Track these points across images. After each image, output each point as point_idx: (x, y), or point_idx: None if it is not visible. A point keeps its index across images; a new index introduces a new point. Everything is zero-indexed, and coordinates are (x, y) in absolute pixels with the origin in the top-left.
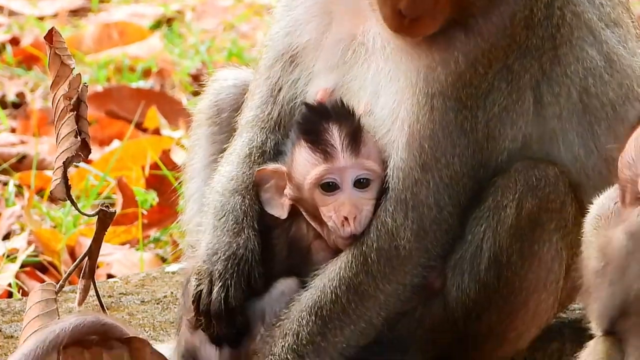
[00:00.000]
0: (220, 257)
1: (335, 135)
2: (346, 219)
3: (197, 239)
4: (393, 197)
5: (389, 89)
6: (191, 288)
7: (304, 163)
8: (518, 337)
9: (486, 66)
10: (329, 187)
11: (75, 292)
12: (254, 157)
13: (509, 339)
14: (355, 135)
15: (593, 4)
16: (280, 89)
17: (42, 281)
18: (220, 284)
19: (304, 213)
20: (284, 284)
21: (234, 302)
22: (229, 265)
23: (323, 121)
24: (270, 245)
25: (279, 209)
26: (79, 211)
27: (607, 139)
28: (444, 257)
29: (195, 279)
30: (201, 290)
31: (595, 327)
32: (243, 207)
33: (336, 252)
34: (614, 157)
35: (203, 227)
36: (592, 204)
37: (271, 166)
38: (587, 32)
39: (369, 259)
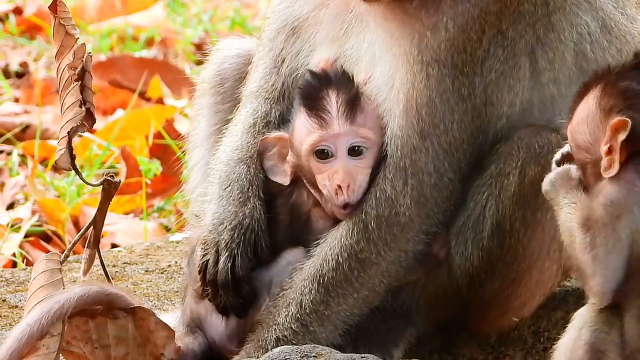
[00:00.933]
0: (226, 226)
1: (332, 102)
2: (340, 187)
3: (201, 208)
4: (392, 165)
5: (385, 58)
6: (197, 258)
7: (301, 129)
8: (522, 305)
9: (479, 32)
10: (323, 154)
11: (80, 262)
12: (258, 127)
13: (513, 306)
14: (353, 102)
15: None
16: (283, 60)
17: (46, 251)
18: (226, 253)
19: (304, 180)
20: (291, 254)
21: (241, 271)
22: (235, 234)
23: (323, 87)
24: (273, 214)
25: (282, 176)
26: (84, 181)
27: None
28: (447, 225)
29: (202, 249)
30: (207, 260)
31: (599, 303)
32: (248, 177)
33: (336, 220)
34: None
35: (208, 196)
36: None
37: (274, 134)
38: None
39: (369, 227)
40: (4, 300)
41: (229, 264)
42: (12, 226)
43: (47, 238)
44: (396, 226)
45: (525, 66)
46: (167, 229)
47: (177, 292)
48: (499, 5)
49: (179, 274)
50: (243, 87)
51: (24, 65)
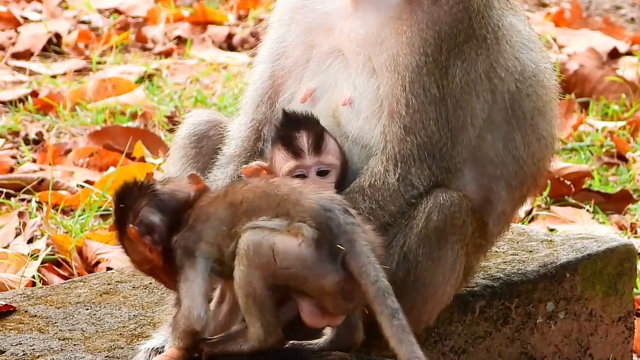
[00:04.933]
0: None
1: (304, 140)
2: None
3: None
4: (385, 154)
5: (366, 77)
6: None
7: (279, 160)
8: (429, 318)
9: (437, 39)
10: (298, 177)
11: (85, 282)
12: None
13: (423, 320)
14: (318, 138)
15: None
16: (264, 126)
17: (58, 274)
18: None
19: None
20: None
21: None
22: None
23: (294, 127)
24: None
25: None
26: None
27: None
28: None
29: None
30: None
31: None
32: None
33: None
34: None
35: None
36: None
37: (255, 163)
38: None
39: (366, 191)
40: (26, 311)
41: None
42: (31, 255)
43: (58, 264)
44: (386, 192)
45: (485, 82)
46: None
47: (156, 303)
48: (452, 19)
49: (158, 289)
50: (217, 146)
51: (39, 134)
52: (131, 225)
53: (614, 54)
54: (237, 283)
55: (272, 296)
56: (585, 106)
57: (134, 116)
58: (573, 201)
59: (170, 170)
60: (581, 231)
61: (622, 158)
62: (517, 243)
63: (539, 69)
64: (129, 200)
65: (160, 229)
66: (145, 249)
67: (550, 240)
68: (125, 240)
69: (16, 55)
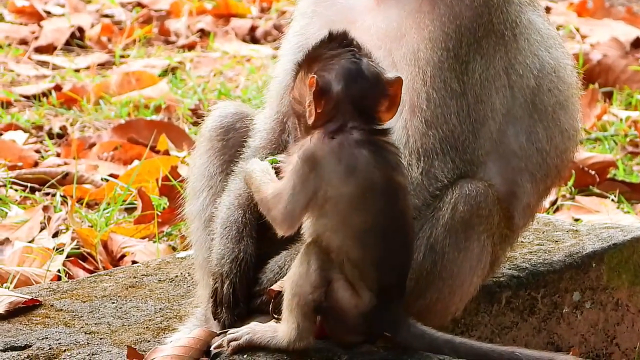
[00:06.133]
0: (226, 260)
1: None
2: None
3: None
4: (407, 148)
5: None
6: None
7: None
8: (456, 309)
9: (458, 34)
10: None
11: (110, 276)
12: None
13: (450, 312)
14: None
15: None
16: (289, 118)
17: (83, 267)
18: (228, 281)
19: None
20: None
21: (240, 294)
22: (233, 266)
23: None
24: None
25: None
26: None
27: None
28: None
29: (212, 279)
30: (216, 288)
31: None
32: (244, 220)
33: None
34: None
35: (214, 234)
36: None
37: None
38: None
39: None
40: (52, 305)
41: (231, 289)
42: (57, 249)
43: (83, 258)
44: (410, 186)
45: (503, 78)
46: (174, 249)
47: (182, 296)
48: (472, 13)
49: (184, 282)
50: (243, 139)
51: (63, 128)
52: (314, 75)
53: (637, 44)
54: (290, 277)
55: (317, 303)
56: (608, 96)
57: (157, 109)
58: (598, 191)
59: (196, 163)
60: (606, 221)
61: None
62: (543, 233)
63: (559, 65)
64: (330, 49)
65: (332, 100)
66: (309, 101)
67: (576, 230)
68: (299, 75)
69: (39, 50)
